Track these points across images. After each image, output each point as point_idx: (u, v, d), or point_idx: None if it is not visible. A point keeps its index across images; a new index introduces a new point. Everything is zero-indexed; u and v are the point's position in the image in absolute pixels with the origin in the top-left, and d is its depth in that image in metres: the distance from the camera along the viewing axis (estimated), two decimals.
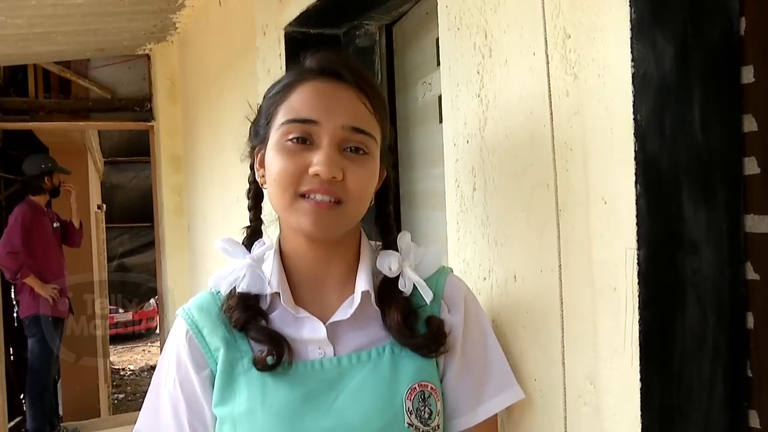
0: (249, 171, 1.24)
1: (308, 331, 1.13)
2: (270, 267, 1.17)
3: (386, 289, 1.17)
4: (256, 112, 1.21)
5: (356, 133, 1.09)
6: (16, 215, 5.65)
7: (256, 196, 1.24)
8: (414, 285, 1.17)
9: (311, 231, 1.08)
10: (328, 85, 1.10)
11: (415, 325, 1.14)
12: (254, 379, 1.11)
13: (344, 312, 1.14)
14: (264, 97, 1.19)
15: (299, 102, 1.10)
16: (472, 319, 1.20)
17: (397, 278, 1.17)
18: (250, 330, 1.12)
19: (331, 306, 1.16)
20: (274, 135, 1.11)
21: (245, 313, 1.13)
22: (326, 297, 1.17)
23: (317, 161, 1.05)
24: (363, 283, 1.15)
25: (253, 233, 1.23)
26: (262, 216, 1.25)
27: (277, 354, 1.09)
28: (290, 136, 1.08)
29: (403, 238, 1.21)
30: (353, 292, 1.15)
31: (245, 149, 1.24)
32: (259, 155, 1.18)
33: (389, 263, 1.17)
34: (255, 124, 1.20)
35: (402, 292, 1.16)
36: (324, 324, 1.13)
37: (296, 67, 1.17)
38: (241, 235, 1.23)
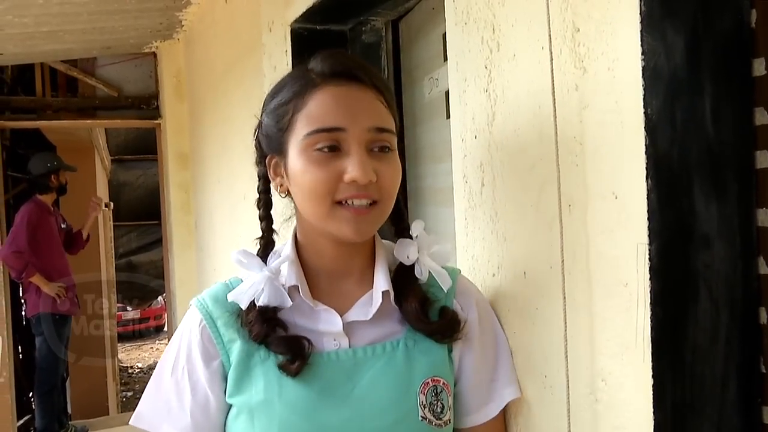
0: (258, 180, 1.24)
1: (324, 324, 1.15)
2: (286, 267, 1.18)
3: (402, 277, 1.19)
4: (262, 117, 1.19)
5: (381, 133, 1.10)
6: (23, 214, 5.67)
7: (266, 205, 1.25)
8: (429, 273, 1.19)
9: (353, 238, 1.10)
10: (345, 89, 1.10)
11: (430, 311, 1.16)
12: (271, 370, 1.12)
13: (364, 311, 1.16)
14: (268, 103, 1.18)
15: (320, 110, 1.09)
16: (484, 319, 1.22)
17: (412, 266, 1.19)
18: (271, 343, 1.13)
19: (349, 299, 1.18)
20: (298, 145, 1.10)
21: (265, 327, 1.13)
22: (344, 290, 1.19)
23: (352, 168, 1.06)
24: (382, 282, 1.17)
25: (267, 244, 1.23)
26: (274, 226, 1.24)
27: (300, 359, 1.10)
28: (318, 146, 1.08)
29: (417, 226, 1.22)
30: (371, 287, 1.17)
31: (255, 155, 1.23)
32: (272, 164, 1.18)
33: (407, 252, 1.19)
34: (264, 131, 1.18)
35: (418, 279, 1.19)
36: (341, 316, 1.14)
37: (302, 71, 1.16)
38: (254, 246, 1.23)
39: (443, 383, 1.15)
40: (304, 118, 1.10)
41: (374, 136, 1.09)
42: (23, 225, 5.58)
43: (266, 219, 1.24)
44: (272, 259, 1.19)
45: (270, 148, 1.17)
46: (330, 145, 1.08)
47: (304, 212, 1.15)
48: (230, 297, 1.16)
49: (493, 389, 1.21)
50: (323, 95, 1.10)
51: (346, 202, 1.08)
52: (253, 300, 1.15)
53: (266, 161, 1.19)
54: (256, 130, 1.22)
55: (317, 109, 1.09)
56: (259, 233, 1.25)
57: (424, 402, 1.12)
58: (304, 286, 1.16)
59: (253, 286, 1.15)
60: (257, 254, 1.21)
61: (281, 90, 1.16)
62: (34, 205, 5.78)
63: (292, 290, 1.17)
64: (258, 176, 1.24)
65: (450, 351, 1.19)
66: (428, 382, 1.13)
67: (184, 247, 5.25)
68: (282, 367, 1.10)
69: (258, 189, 1.24)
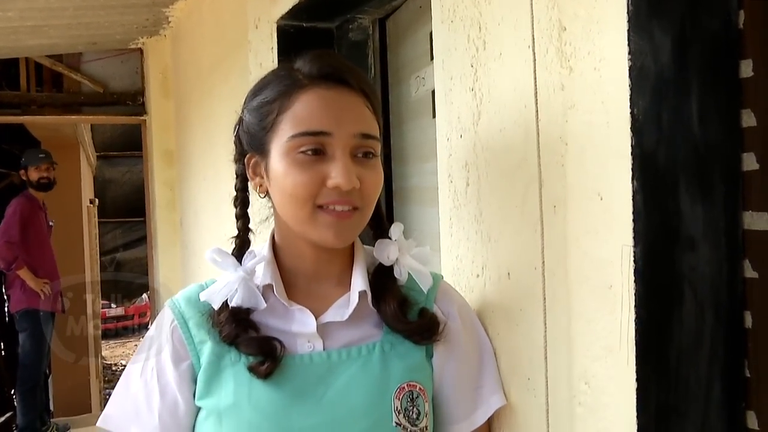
0: (235, 177, 1.21)
1: (298, 325, 1.13)
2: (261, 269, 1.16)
3: (381, 278, 1.18)
4: (243, 114, 1.17)
5: (366, 139, 1.09)
6: (15, 207, 5.63)
7: (243, 204, 1.22)
8: (410, 275, 1.18)
9: (333, 243, 1.09)
10: (333, 92, 1.09)
11: (408, 313, 1.15)
12: (241, 372, 1.10)
13: (340, 312, 1.14)
14: (250, 99, 1.15)
15: (307, 112, 1.07)
16: (467, 324, 1.21)
17: (391, 267, 1.18)
18: (240, 344, 1.10)
19: (326, 301, 1.16)
20: (282, 146, 1.08)
21: (235, 328, 1.11)
22: (321, 292, 1.17)
23: (336, 174, 1.05)
24: (359, 282, 1.15)
25: (243, 244, 1.20)
26: (250, 225, 1.22)
27: (270, 361, 1.08)
28: (302, 149, 1.06)
29: (396, 229, 1.20)
30: (348, 289, 1.15)
31: (234, 152, 1.21)
32: (251, 163, 1.16)
33: (387, 252, 1.17)
34: (245, 128, 1.16)
35: (397, 280, 1.18)
36: (316, 319, 1.12)
37: (287, 70, 1.13)
38: (230, 245, 1.21)
39: (420, 388, 1.13)
40: (289, 119, 1.08)
41: (359, 142, 1.08)
42: (15, 217, 5.56)
43: (243, 218, 1.21)
44: (248, 259, 1.17)
45: (251, 146, 1.15)
46: (314, 149, 1.06)
47: (283, 215, 1.13)
48: (203, 296, 1.14)
49: (479, 396, 1.19)
50: (310, 97, 1.08)
51: (328, 207, 1.07)
52: (226, 300, 1.13)
53: (245, 160, 1.17)
54: (236, 127, 1.19)
55: (303, 111, 1.07)
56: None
57: (399, 407, 1.10)
58: (279, 286, 1.14)
59: (227, 286, 1.13)
60: (232, 253, 1.19)
61: (265, 88, 1.13)
62: (26, 200, 5.76)
63: (267, 290, 1.15)
64: (236, 174, 1.21)
65: (430, 357, 1.17)
66: (404, 387, 1.11)
67: (169, 244, 5.21)
68: (252, 369, 1.08)
69: (235, 187, 1.22)
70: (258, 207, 1.23)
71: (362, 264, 1.17)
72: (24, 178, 5.89)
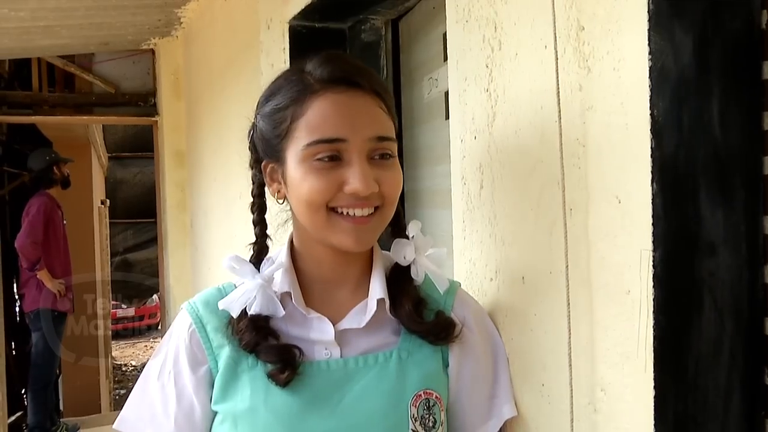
0: (252, 183, 1.21)
1: (316, 332, 1.12)
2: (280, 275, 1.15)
3: (398, 278, 1.17)
4: (256, 120, 1.16)
5: (382, 142, 1.08)
6: (38, 205, 5.65)
7: (260, 210, 1.21)
8: (426, 277, 1.18)
9: (353, 247, 1.08)
10: (345, 96, 1.07)
11: (424, 313, 1.14)
12: (258, 377, 1.09)
13: (357, 319, 1.13)
14: (262, 105, 1.14)
15: (321, 119, 1.06)
16: (483, 335, 1.20)
17: (408, 267, 1.17)
18: (260, 352, 1.10)
19: (343, 307, 1.15)
20: (297, 154, 1.07)
21: (255, 336, 1.10)
22: (338, 299, 1.16)
23: (353, 180, 1.04)
24: (378, 290, 1.14)
25: (261, 250, 1.19)
26: (268, 231, 1.21)
27: (290, 369, 1.07)
28: (319, 156, 1.05)
29: (414, 227, 1.20)
30: (366, 296, 1.15)
31: (250, 158, 1.21)
32: (268, 169, 1.15)
33: (404, 252, 1.16)
34: (259, 135, 1.15)
35: (413, 280, 1.17)
36: (334, 326, 1.12)
37: (298, 73, 1.12)
38: (247, 252, 1.20)
39: (436, 396, 1.12)
40: (303, 126, 1.07)
41: (375, 145, 1.07)
42: (39, 216, 5.58)
43: (260, 224, 1.21)
44: (266, 266, 1.16)
45: (267, 153, 1.14)
46: (330, 155, 1.05)
47: (302, 220, 1.12)
48: (221, 305, 1.13)
49: (493, 406, 1.19)
50: (323, 103, 1.06)
51: (346, 212, 1.06)
52: (245, 308, 1.12)
53: (262, 166, 1.16)
54: (250, 132, 1.18)
55: (317, 118, 1.06)
56: (253, 236, 1.22)
57: (416, 415, 1.09)
58: (297, 293, 1.14)
59: (245, 293, 1.12)
60: (250, 260, 1.17)
61: (277, 93, 1.12)
62: (47, 198, 5.78)
63: (285, 297, 1.14)
64: (252, 180, 1.21)
65: (446, 366, 1.16)
66: (420, 395, 1.11)
67: (179, 245, 5.22)
68: (271, 376, 1.07)
69: (252, 193, 1.21)
70: (276, 211, 1.22)
71: (381, 270, 1.16)
72: (56, 174, 5.90)
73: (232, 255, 1.17)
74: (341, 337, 1.12)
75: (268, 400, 1.07)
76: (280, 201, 1.17)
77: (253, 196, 1.21)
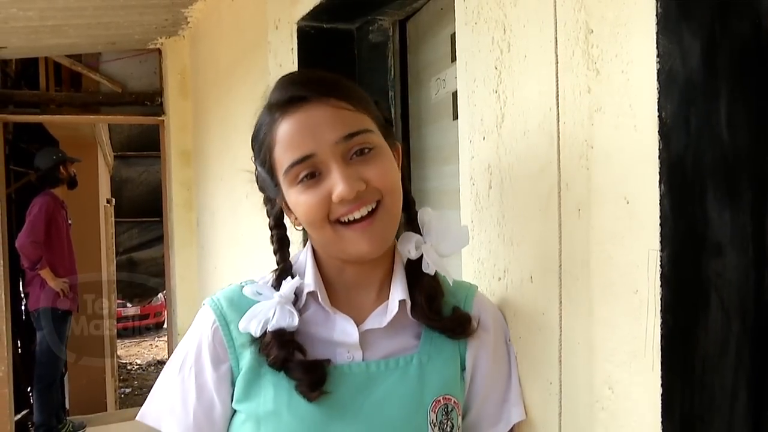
0: (268, 217, 1.23)
1: (340, 334, 1.13)
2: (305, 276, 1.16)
3: (410, 273, 1.17)
4: (254, 162, 1.19)
5: (352, 138, 1.07)
6: (40, 205, 5.65)
7: (280, 240, 1.22)
8: (445, 279, 1.19)
9: (369, 253, 1.09)
10: (300, 112, 1.07)
11: (440, 308, 1.16)
12: (282, 379, 1.10)
13: (379, 320, 1.14)
14: (252, 145, 1.17)
15: (287, 143, 1.07)
16: (499, 339, 1.22)
17: (420, 259, 1.17)
18: (290, 369, 1.09)
19: (365, 309, 1.16)
20: (285, 182, 1.09)
21: (283, 352, 1.09)
22: (362, 301, 1.17)
23: (335, 187, 1.04)
24: (399, 291, 1.15)
25: (281, 273, 1.19)
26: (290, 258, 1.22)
27: (320, 387, 1.08)
28: (300, 177, 1.07)
29: (425, 214, 1.19)
30: (388, 297, 1.16)
31: (263, 197, 1.23)
32: (283, 204, 1.17)
33: (409, 247, 1.16)
34: (258, 175, 1.18)
35: (426, 274, 1.16)
36: (357, 327, 1.13)
37: (265, 107, 1.14)
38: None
39: (454, 402, 1.13)
40: (278, 156, 1.09)
41: (346, 145, 1.06)
42: (41, 215, 5.58)
43: (281, 251, 1.22)
44: (285, 284, 1.15)
45: (271, 191, 1.17)
46: (309, 173, 1.06)
47: (316, 241, 1.15)
48: (241, 327, 1.12)
49: (504, 410, 1.20)
50: (283, 128, 1.08)
51: (346, 219, 1.07)
52: (266, 327, 1.11)
53: (276, 202, 1.18)
54: (255, 176, 1.21)
55: (284, 143, 1.08)
56: (267, 241, 1.24)
57: (435, 420, 1.10)
58: (323, 292, 1.14)
59: (263, 311, 1.12)
60: (271, 285, 1.17)
61: (257, 132, 1.15)
62: (50, 198, 5.78)
63: (309, 297, 1.15)
64: (267, 214, 1.23)
65: (462, 369, 1.18)
66: (440, 400, 1.12)
67: (185, 244, 5.24)
68: (301, 392, 1.08)
69: (269, 225, 1.23)
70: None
71: (401, 271, 1.17)
72: (62, 174, 5.92)
73: (252, 283, 1.18)
74: (363, 339, 1.13)
75: (291, 404, 1.08)
76: (299, 227, 1.17)
77: (270, 228, 1.23)
